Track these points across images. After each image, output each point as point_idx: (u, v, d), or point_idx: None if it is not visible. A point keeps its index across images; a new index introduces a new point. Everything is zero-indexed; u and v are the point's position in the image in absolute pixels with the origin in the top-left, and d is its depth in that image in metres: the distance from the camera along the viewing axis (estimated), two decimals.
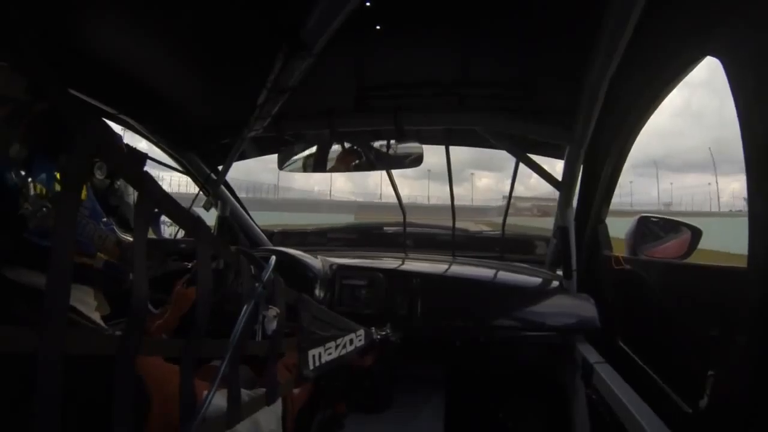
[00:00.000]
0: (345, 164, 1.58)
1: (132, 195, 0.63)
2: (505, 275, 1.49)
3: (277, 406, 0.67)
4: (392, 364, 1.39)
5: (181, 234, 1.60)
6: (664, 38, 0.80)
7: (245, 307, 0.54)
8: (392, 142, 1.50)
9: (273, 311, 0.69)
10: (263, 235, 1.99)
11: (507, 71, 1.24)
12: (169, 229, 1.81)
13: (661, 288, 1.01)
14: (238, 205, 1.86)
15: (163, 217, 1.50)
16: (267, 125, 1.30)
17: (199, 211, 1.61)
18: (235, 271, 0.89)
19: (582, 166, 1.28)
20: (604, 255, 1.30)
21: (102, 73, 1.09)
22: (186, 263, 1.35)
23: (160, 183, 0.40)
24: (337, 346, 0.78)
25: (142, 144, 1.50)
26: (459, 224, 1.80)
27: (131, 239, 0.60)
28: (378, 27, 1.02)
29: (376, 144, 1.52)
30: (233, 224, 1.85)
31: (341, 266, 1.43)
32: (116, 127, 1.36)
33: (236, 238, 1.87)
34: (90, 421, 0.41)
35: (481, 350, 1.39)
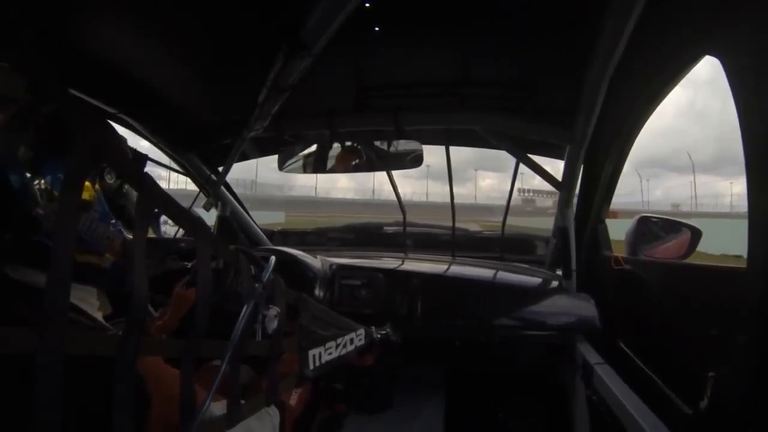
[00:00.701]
0: (345, 164, 1.58)
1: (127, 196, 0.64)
2: (504, 275, 1.49)
3: (275, 414, 0.67)
4: (392, 364, 1.39)
5: (180, 233, 1.60)
6: (663, 38, 0.80)
7: (245, 307, 0.54)
8: (392, 142, 1.50)
9: (273, 311, 0.69)
10: (263, 234, 1.99)
11: (507, 71, 1.24)
12: (171, 230, 1.81)
13: (661, 288, 1.01)
14: (237, 205, 1.86)
15: (164, 217, 1.50)
16: (267, 125, 1.30)
17: (200, 211, 1.61)
18: (235, 270, 0.89)
19: (582, 166, 1.28)
20: (604, 255, 1.30)
21: (102, 73, 1.09)
22: (186, 263, 1.35)
23: (160, 182, 0.40)
24: (337, 346, 0.78)
25: (143, 143, 1.51)
26: (463, 223, 1.80)
27: None
28: (378, 27, 1.02)
29: (376, 144, 1.52)
30: (233, 224, 1.85)
31: (341, 266, 1.43)
32: (117, 128, 1.36)
33: (236, 237, 1.87)
34: (90, 421, 0.41)
35: (481, 350, 1.39)
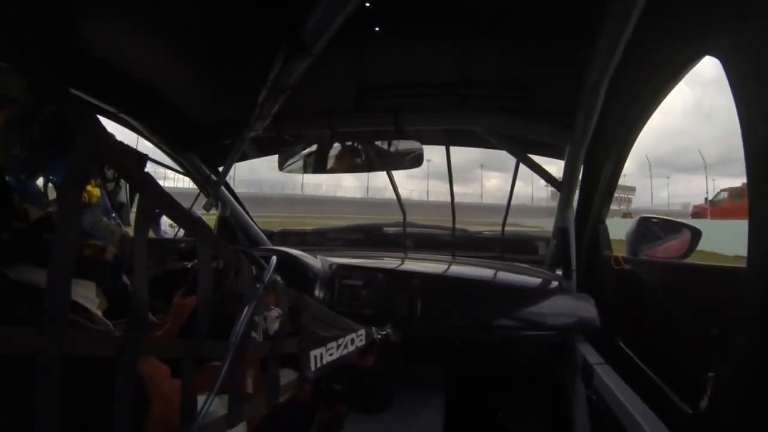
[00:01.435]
0: (345, 164, 1.58)
1: (126, 192, 0.65)
2: (504, 275, 1.49)
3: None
4: (392, 364, 1.39)
5: (180, 234, 1.60)
6: (663, 38, 0.80)
7: (246, 307, 0.54)
8: (392, 142, 1.50)
9: (275, 312, 0.69)
10: (263, 234, 1.99)
11: (507, 71, 1.24)
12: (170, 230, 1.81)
13: (662, 288, 1.01)
14: (237, 205, 1.86)
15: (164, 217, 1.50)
16: (267, 125, 1.30)
17: (200, 211, 1.61)
18: (235, 271, 0.89)
19: (582, 167, 1.28)
20: (604, 255, 1.30)
21: (102, 73, 1.09)
22: (185, 263, 1.35)
23: (160, 181, 0.40)
24: (338, 346, 0.78)
25: (143, 143, 1.51)
26: (467, 224, 1.79)
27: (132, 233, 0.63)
28: (378, 27, 1.02)
29: (376, 144, 1.52)
30: (233, 224, 1.85)
31: (341, 266, 1.43)
32: (117, 128, 1.36)
33: (236, 237, 1.87)
34: (90, 421, 0.41)
35: (481, 350, 1.39)
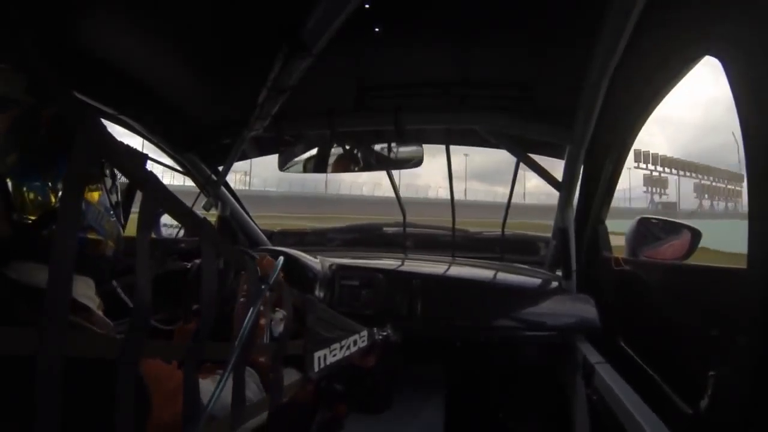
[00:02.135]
0: (345, 164, 1.58)
1: (118, 190, 0.66)
2: (504, 276, 1.49)
3: (253, 373, 0.67)
4: (392, 364, 1.39)
5: (182, 234, 1.60)
6: (663, 38, 0.80)
7: (251, 309, 0.54)
8: (392, 142, 1.50)
9: (279, 314, 0.69)
10: (263, 235, 1.99)
11: (507, 71, 1.24)
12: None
13: (662, 288, 1.01)
14: (237, 206, 1.86)
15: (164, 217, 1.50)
16: (267, 125, 1.30)
17: (199, 211, 1.61)
18: (236, 271, 0.88)
19: (582, 166, 1.28)
20: (604, 256, 1.30)
21: (102, 73, 1.09)
22: (185, 263, 1.35)
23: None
24: (341, 348, 0.78)
25: (142, 143, 1.51)
26: (511, 226, 1.73)
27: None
28: (378, 28, 1.02)
29: (377, 144, 1.52)
30: (233, 224, 1.85)
31: (341, 266, 1.43)
32: (117, 128, 1.36)
33: (236, 237, 1.87)
34: (90, 423, 0.41)
35: (481, 350, 1.39)
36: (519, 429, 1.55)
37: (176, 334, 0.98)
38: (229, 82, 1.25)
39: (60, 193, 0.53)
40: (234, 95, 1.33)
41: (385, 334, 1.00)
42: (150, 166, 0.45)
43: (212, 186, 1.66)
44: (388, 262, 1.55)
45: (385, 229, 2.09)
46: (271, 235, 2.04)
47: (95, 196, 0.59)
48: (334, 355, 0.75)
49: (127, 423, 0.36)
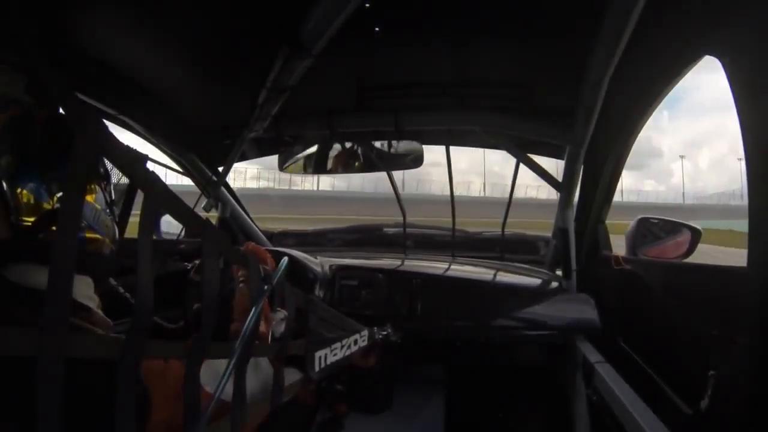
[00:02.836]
0: (345, 165, 1.58)
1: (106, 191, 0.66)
2: (504, 275, 1.49)
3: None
4: (392, 364, 1.39)
5: (183, 234, 1.60)
6: (663, 38, 0.80)
7: (253, 309, 0.54)
8: (392, 142, 1.50)
9: (281, 314, 0.69)
10: (263, 235, 1.99)
11: (507, 71, 1.24)
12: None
13: (662, 288, 1.01)
14: (237, 206, 1.86)
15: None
16: (267, 126, 1.30)
17: (199, 212, 1.61)
18: (226, 262, 0.88)
19: (582, 166, 1.28)
20: (604, 255, 1.30)
21: (102, 73, 1.09)
22: (186, 263, 1.35)
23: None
24: (342, 347, 0.78)
25: (142, 144, 1.51)
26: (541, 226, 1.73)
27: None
28: (378, 28, 1.02)
29: (377, 144, 1.52)
30: (233, 225, 1.85)
31: (341, 267, 1.43)
32: (117, 129, 1.36)
33: (236, 238, 1.87)
34: (90, 421, 0.41)
35: (481, 350, 1.39)
36: (519, 429, 1.55)
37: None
38: (229, 82, 1.25)
39: (58, 194, 0.53)
40: (234, 96, 1.33)
41: (385, 333, 1.00)
42: (150, 166, 0.44)
43: (212, 187, 1.66)
44: (388, 263, 1.55)
45: (385, 229, 2.09)
46: (271, 236, 2.04)
47: (93, 194, 0.59)
48: (335, 355, 0.75)
49: (127, 423, 0.36)
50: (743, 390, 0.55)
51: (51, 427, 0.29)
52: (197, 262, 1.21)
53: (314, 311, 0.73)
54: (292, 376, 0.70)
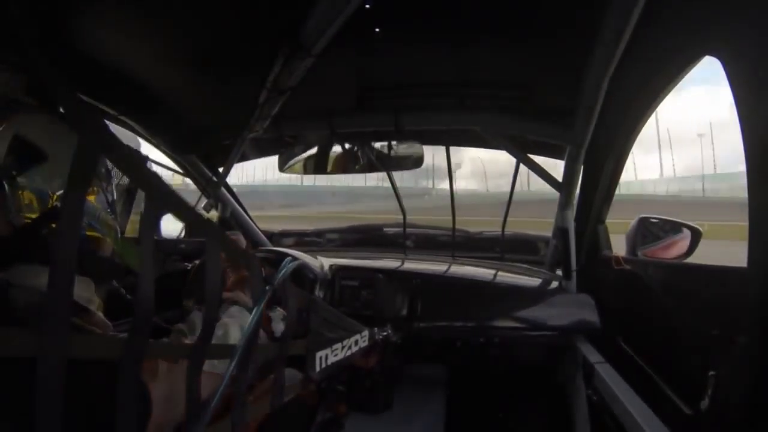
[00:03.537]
0: (345, 165, 1.58)
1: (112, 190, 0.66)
2: (504, 276, 1.49)
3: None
4: (392, 364, 1.39)
5: (183, 234, 1.60)
6: (663, 38, 0.80)
7: (255, 309, 0.54)
8: (393, 142, 1.50)
9: (280, 313, 0.69)
10: (263, 235, 1.99)
11: (507, 71, 1.24)
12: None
13: (662, 288, 1.01)
14: (237, 206, 1.86)
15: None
16: (267, 126, 1.30)
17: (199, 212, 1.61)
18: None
19: (582, 166, 1.28)
20: (604, 255, 1.30)
21: (102, 74, 1.09)
22: (186, 263, 1.35)
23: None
24: (342, 348, 0.78)
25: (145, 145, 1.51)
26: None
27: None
28: (378, 28, 1.02)
29: (377, 145, 1.52)
30: (233, 225, 1.85)
31: (341, 267, 1.43)
32: (117, 129, 1.36)
33: None
34: (90, 422, 0.41)
35: (481, 350, 1.39)
36: (519, 429, 1.55)
37: None
38: (229, 83, 1.25)
39: (58, 194, 0.53)
40: (234, 96, 1.33)
41: (385, 334, 1.00)
42: (150, 167, 0.44)
43: (212, 187, 1.66)
44: (389, 263, 1.55)
45: (385, 229, 2.09)
46: (271, 236, 2.04)
47: (93, 194, 0.59)
48: (336, 355, 0.75)
49: (128, 423, 0.36)
50: (743, 390, 0.55)
51: (51, 428, 0.29)
52: (197, 262, 1.21)
53: (316, 311, 0.73)
54: (292, 376, 0.70)
